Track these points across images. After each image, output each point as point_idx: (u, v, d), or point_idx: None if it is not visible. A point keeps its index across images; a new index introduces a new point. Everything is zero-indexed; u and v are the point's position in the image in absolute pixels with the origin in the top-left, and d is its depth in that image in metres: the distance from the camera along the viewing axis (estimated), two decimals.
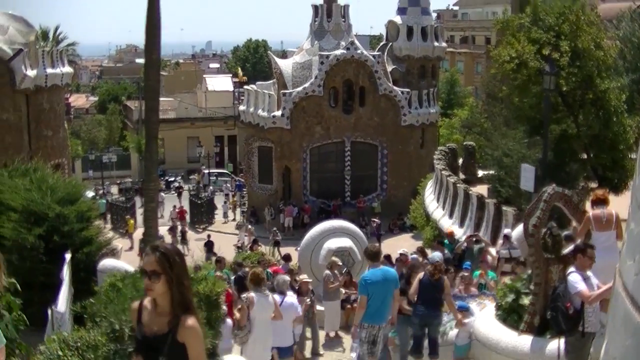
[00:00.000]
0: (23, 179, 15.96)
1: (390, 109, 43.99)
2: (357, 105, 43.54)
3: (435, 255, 17.15)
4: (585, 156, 38.07)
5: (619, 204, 12.26)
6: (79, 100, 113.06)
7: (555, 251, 10.74)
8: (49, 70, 41.05)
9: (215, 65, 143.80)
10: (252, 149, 46.02)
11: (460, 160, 43.51)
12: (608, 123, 37.91)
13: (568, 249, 10.71)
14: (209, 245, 37.61)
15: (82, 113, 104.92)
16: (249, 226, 41.97)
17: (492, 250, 20.78)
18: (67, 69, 44.14)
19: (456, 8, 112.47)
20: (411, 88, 45.34)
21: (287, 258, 21.35)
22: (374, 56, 43.47)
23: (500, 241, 21.31)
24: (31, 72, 39.28)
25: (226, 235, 44.18)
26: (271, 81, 46.73)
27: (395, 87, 44.19)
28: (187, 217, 47.74)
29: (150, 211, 21.63)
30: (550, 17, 40.09)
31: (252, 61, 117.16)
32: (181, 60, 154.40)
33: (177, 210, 47.51)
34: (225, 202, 52.22)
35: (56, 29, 71.27)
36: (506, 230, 21.86)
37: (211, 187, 58.58)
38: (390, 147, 44.76)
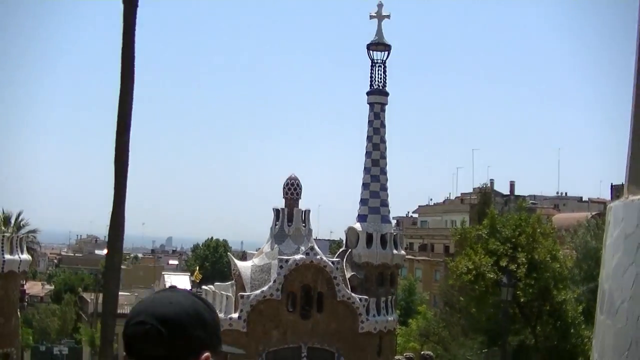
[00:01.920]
0: None
1: (348, 316, 43.78)
2: (314, 311, 43.35)
3: None
4: None
5: None
6: (34, 288, 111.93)
7: None
8: (7, 257, 40.63)
9: (174, 262, 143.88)
10: None
11: None
12: (566, 334, 38.08)
13: None
14: None
15: (36, 301, 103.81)
16: None
17: None
18: (26, 256, 43.74)
19: (416, 215, 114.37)
20: (369, 295, 45.30)
21: None
22: (333, 262, 43.65)
23: None
24: None
25: None
26: (229, 282, 46.58)
27: (353, 294, 44.13)
28: None
29: None
30: (507, 229, 40.97)
31: (212, 260, 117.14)
32: (140, 255, 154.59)
33: None
34: None
35: (19, 215, 71.63)
36: None
37: None
38: (347, 354, 44.26)
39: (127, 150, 23.09)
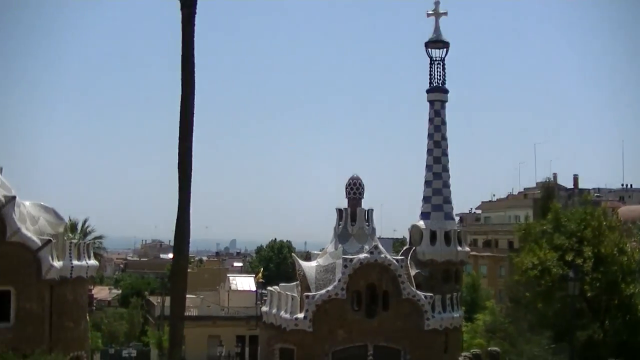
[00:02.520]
0: None
1: (413, 314, 43.72)
2: (380, 309, 43.36)
3: None
4: None
5: None
6: (101, 293, 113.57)
7: None
8: (75, 262, 41.08)
9: (239, 264, 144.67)
10: (273, 350, 45.59)
11: None
12: (636, 328, 37.59)
13: None
14: None
15: (104, 305, 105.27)
16: None
17: None
18: (93, 262, 44.21)
19: (479, 212, 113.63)
20: (434, 292, 45.14)
21: None
22: (397, 260, 43.61)
23: None
24: (57, 263, 39.29)
25: None
26: (294, 283, 46.79)
27: (418, 292, 44.08)
28: None
29: None
30: (572, 223, 40.57)
31: (276, 261, 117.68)
32: (205, 258, 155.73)
33: None
34: None
35: (85, 221, 73.06)
36: None
37: None
38: (413, 352, 44.23)
39: (190, 156, 23.43)
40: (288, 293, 44.23)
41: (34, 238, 38.22)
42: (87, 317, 45.87)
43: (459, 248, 50.09)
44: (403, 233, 78.14)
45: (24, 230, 37.95)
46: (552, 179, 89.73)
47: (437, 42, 52.57)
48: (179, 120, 23.86)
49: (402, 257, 45.42)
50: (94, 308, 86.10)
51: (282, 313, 43.39)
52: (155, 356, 74.43)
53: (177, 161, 23.47)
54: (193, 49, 24.38)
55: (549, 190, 77.68)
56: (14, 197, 38.03)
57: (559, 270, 37.67)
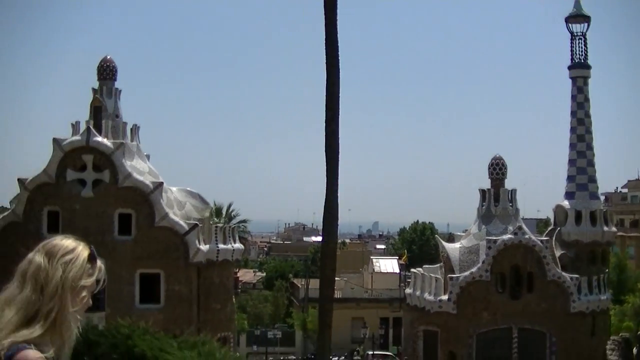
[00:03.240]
0: (192, 352, 16.18)
1: (559, 296, 43.05)
2: (524, 291, 42.90)
3: None
4: None
5: None
6: (246, 275, 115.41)
7: None
8: (221, 246, 42.14)
9: (381, 246, 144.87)
10: (417, 332, 45.76)
11: (635, 351, 41.87)
12: None
13: None
14: None
15: (249, 288, 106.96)
16: None
17: None
18: (238, 245, 45.22)
19: (625, 191, 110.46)
20: (580, 273, 44.33)
21: None
22: (542, 241, 43.04)
23: None
24: (204, 247, 40.47)
25: None
26: (438, 265, 46.79)
27: (564, 273, 43.42)
28: None
29: None
30: None
31: (419, 243, 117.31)
32: (348, 240, 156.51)
33: None
34: None
35: (229, 206, 74.87)
36: None
37: None
38: (558, 335, 43.58)
39: (337, 138, 23.70)
40: (432, 275, 44.29)
41: (182, 222, 39.53)
42: (233, 299, 47.01)
43: (605, 228, 48.99)
44: (547, 213, 76.93)
45: (171, 215, 39.31)
46: None
47: (577, 17, 51.48)
48: (325, 102, 24.12)
49: (546, 238, 44.80)
50: (239, 290, 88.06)
51: (426, 295, 43.49)
52: (299, 337, 75.63)
53: (324, 144, 23.74)
54: (336, 35, 24.63)
55: None
56: (161, 183, 39.44)
57: None
